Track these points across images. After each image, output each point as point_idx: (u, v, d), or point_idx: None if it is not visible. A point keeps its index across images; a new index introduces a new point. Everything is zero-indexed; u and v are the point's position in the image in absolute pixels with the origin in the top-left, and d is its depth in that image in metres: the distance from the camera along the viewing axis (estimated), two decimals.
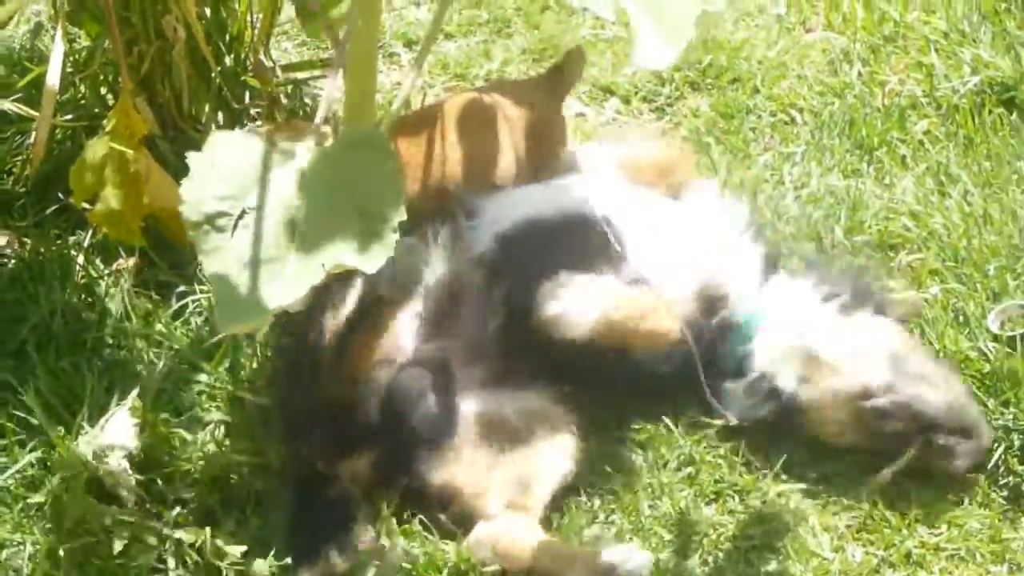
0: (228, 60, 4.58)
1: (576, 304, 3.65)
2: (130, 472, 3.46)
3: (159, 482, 3.54)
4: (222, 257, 2.89)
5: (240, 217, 2.93)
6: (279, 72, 4.71)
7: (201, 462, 3.60)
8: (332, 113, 4.56)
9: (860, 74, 5.39)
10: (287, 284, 2.88)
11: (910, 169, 4.85)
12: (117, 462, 3.43)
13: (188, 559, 3.41)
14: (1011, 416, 3.79)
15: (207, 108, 4.50)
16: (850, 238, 4.46)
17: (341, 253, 2.92)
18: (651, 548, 3.54)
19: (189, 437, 3.64)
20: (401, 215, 2.94)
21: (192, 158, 2.96)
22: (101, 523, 3.37)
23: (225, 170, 2.98)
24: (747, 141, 5.10)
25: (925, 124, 5.06)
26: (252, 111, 4.62)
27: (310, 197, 2.98)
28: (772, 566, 3.52)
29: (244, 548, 3.43)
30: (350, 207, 2.96)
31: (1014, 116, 5.04)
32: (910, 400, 3.68)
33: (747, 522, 3.64)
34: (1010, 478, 3.74)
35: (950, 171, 4.78)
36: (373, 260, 2.92)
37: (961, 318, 4.09)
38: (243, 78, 4.61)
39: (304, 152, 3.04)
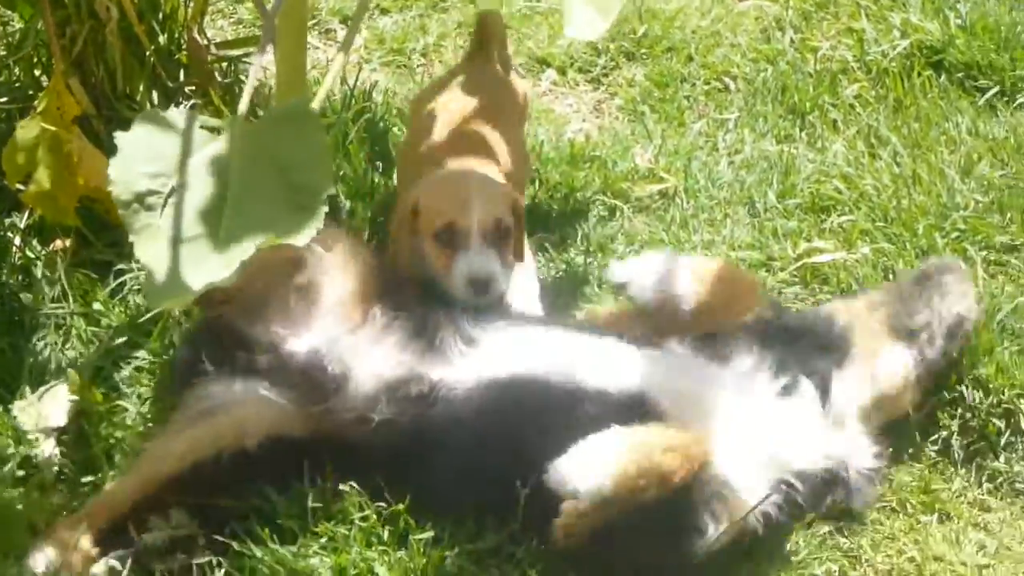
0: (162, 39, 4.58)
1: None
2: (57, 451, 3.48)
3: (93, 456, 3.57)
4: (152, 235, 2.89)
5: (170, 195, 2.94)
6: (214, 50, 4.71)
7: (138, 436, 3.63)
8: (269, 90, 4.64)
9: (792, 41, 5.47)
10: (218, 259, 2.88)
11: (841, 133, 4.93)
12: (46, 440, 3.45)
13: None
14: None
15: (141, 87, 4.50)
16: (783, 202, 4.51)
17: (272, 228, 2.93)
18: None
19: (129, 410, 3.67)
20: (331, 188, 2.96)
21: (120, 138, 2.96)
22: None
23: (154, 149, 2.97)
24: (682, 109, 5.16)
25: (856, 88, 5.14)
26: (187, 89, 4.62)
27: (239, 173, 2.99)
28: None
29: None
30: (280, 182, 2.97)
31: (942, 78, 5.12)
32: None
33: None
34: (940, 431, 3.80)
35: (880, 133, 4.85)
36: (304, 234, 2.93)
37: (891, 276, 4.16)
38: (177, 56, 4.62)
39: (232, 128, 3.05)
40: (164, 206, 2.94)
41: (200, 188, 2.97)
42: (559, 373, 3.44)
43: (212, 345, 3.56)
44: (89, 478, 3.54)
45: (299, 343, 3.53)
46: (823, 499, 3.54)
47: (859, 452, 3.57)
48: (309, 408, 3.46)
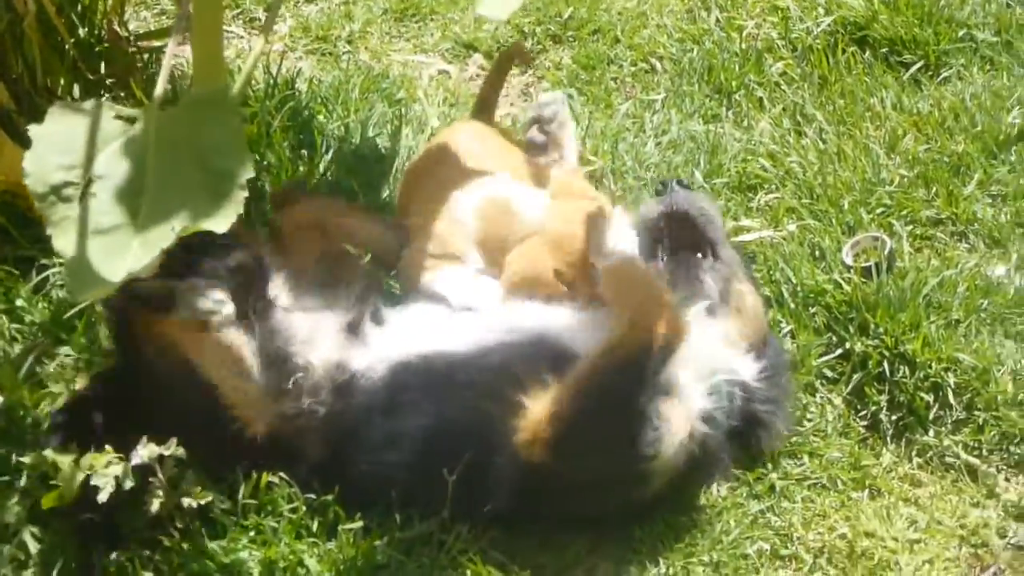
0: (82, 31, 4.52)
1: None
2: None
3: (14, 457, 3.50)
4: (70, 227, 2.87)
5: (87, 186, 2.91)
6: (135, 41, 4.65)
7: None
8: (190, 78, 4.58)
9: (718, 20, 5.47)
10: (137, 249, 2.86)
11: (767, 111, 4.93)
12: None
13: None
14: (868, 344, 3.86)
15: (62, 80, 4.44)
16: (710, 181, 4.51)
17: (190, 215, 2.91)
18: None
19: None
20: (249, 172, 2.93)
21: (34, 130, 2.93)
22: None
23: (68, 140, 2.95)
24: (609, 91, 5.15)
25: (781, 66, 5.14)
26: (108, 81, 4.56)
27: (156, 161, 2.97)
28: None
29: None
30: (197, 168, 2.95)
31: (867, 54, 5.14)
32: None
33: None
34: (869, 406, 3.82)
35: (805, 111, 4.86)
36: (223, 220, 2.91)
37: (817, 253, 4.17)
38: (98, 49, 4.55)
39: (148, 117, 3.02)
40: (82, 197, 2.90)
41: (117, 177, 2.95)
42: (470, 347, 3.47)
43: None
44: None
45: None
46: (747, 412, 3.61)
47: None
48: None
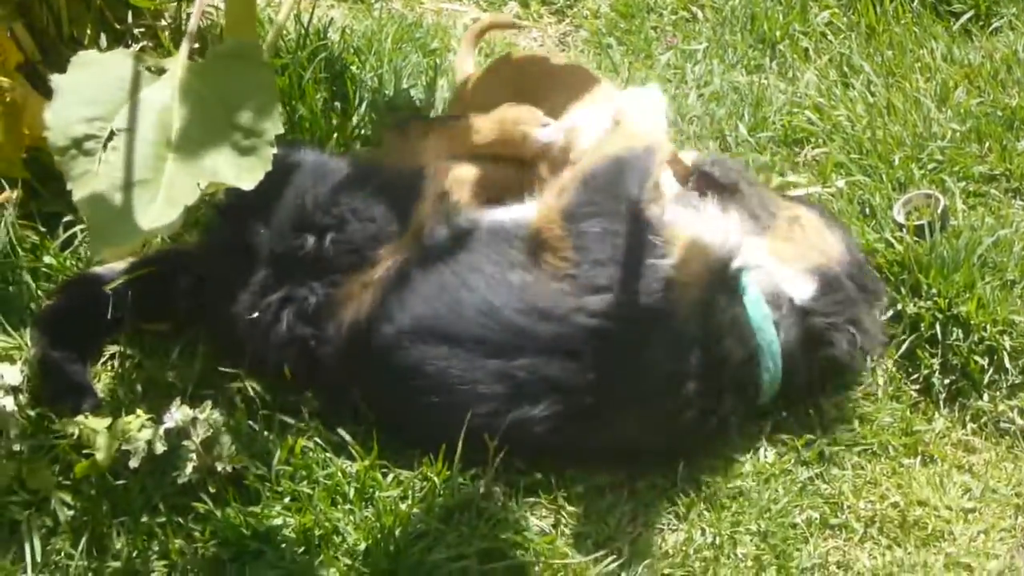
0: None
1: None
2: (14, 407, 3.34)
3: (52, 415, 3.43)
4: (91, 181, 2.76)
5: (109, 139, 2.80)
6: None
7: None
8: (220, 29, 4.48)
9: None
10: (161, 204, 2.75)
11: (812, 62, 4.81)
12: (4, 397, 3.32)
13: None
14: (921, 305, 3.75)
15: (89, 30, 4.34)
16: (754, 135, 4.39)
17: (217, 170, 2.80)
18: None
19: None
20: (278, 128, 2.82)
21: (56, 80, 2.82)
22: None
23: (92, 91, 2.84)
24: (648, 41, 5.03)
25: (827, 15, 5.01)
26: (136, 31, 4.45)
27: (183, 114, 2.86)
28: (684, 471, 3.47)
29: None
30: (225, 123, 2.84)
31: (916, 3, 5.01)
32: None
33: None
34: (921, 370, 3.70)
35: (852, 62, 4.73)
36: (251, 176, 2.81)
37: (867, 210, 4.05)
38: None
39: (176, 68, 2.91)
40: (104, 150, 2.80)
41: (142, 131, 2.84)
42: None
43: None
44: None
45: None
46: None
47: None
48: None
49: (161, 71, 2.89)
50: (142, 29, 4.46)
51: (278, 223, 3.55)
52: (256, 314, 3.49)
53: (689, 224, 3.53)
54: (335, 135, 4.21)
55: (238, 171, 2.79)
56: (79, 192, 2.75)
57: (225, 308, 3.55)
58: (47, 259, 3.83)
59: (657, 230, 3.42)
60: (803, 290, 3.56)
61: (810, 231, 3.69)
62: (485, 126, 3.83)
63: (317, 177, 3.62)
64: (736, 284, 3.48)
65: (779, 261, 3.60)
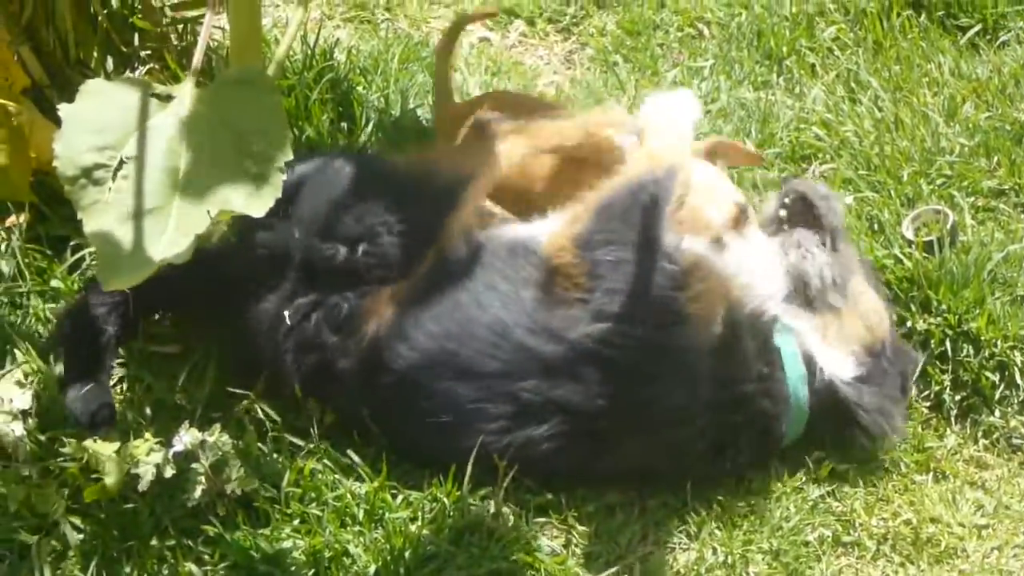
0: (114, 3, 4.41)
1: None
2: (23, 431, 3.34)
3: (62, 438, 3.40)
4: (101, 211, 2.76)
5: (119, 168, 2.80)
6: (168, 12, 4.54)
7: None
8: (227, 51, 4.48)
9: None
10: (172, 234, 2.76)
11: (820, 77, 4.80)
12: (9, 422, 3.32)
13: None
14: (931, 322, 3.74)
15: (95, 53, 4.34)
16: (762, 151, 4.38)
17: (227, 198, 2.80)
18: None
19: None
20: (287, 154, 2.82)
21: (64, 110, 2.82)
22: None
23: (100, 120, 2.84)
24: (655, 58, 5.02)
25: (833, 31, 5.01)
26: (142, 54, 4.46)
27: (192, 142, 2.86)
28: (695, 489, 3.45)
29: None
30: (234, 150, 2.84)
31: (923, 18, 5.00)
32: None
33: None
34: (932, 387, 3.70)
35: (860, 77, 4.73)
36: (261, 203, 2.81)
37: (876, 226, 4.05)
38: (131, 20, 4.45)
39: (184, 95, 2.91)
40: (114, 179, 2.80)
41: (151, 159, 2.84)
42: None
43: None
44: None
45: None
46: None
47: None
48: None
49: (169, 98, 2.88)
50: (149, 52, 4.45)
51: (311, 230, 3.53)
52: (287, 313, 3.48)
53: (724, 259, 3.49)
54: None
55: (248, 198, 2.79)
56: (90, 222, 2.75)
57: (247, 310, 3.54)
58: (55, 282, 3.83)
59: (674, 259, 3.35)
60: (844, 368, 3.52)
61: (868, 305, 3.62)
62: (571, 128, 3.79)
63: (350, 185, 3.61)
64: (769, 333, 3.46)
65: (832, 334, 3.56)
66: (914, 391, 3.69)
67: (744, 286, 3.46)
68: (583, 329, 3.32)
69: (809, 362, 3.48)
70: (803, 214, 3.71)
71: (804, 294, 3.57)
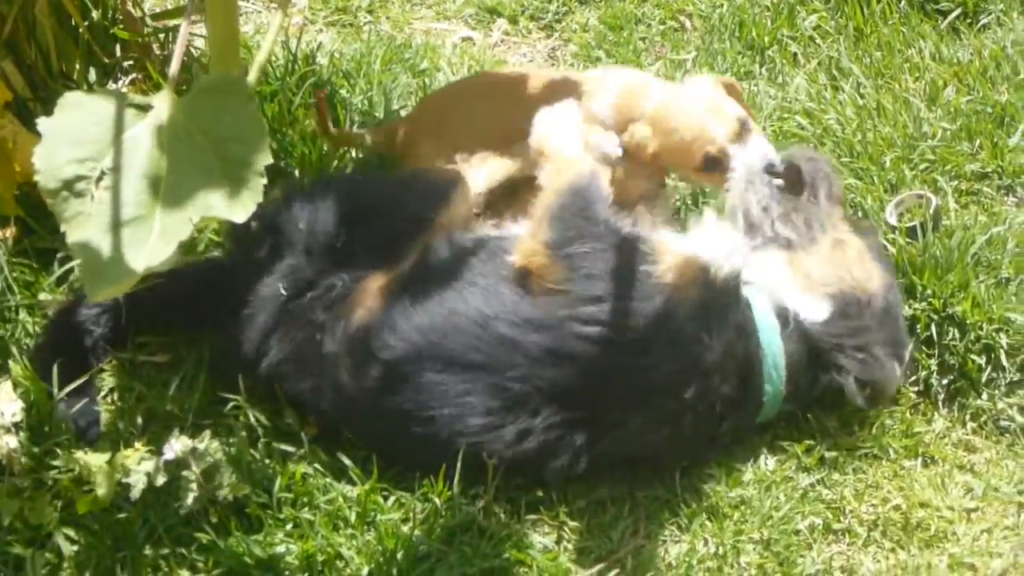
0: (95, 14, 4.41)
1: None
2: (16, 444, 3.35)
3: (56, 450, 3.43)
4: (84, 223, 2.75)
5: (100, 179, 2.81)
6: (149, 22, 4.55)
7: None
8: (208, 58, 4.47)
9: None
10: (154, 242, 2.75)
11: (802, 66, 4.81)
12: (5, 435, 3.33)
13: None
14: (916, 307, 3.75)
15: (77, 65, 4.35)
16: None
17: (208, 204, 2.80)
18: None
19: None
20: (267, 159, 2.83)
21: (43, 124, 2.81)
22: None
23: (79, 132, 2.83)
24: (638, 52, 5.03)
25: (815, 19, 5.01)
26: (124, 64, 4.46)
27: (171, 150, 2.85)
28: (685, 481, 3.47)
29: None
30: (214, 156, 2.83)
31: (903, 3, 5.00)
32: None
33: None
34: (919, 371, 3.70)
35: (841, 65, 4.73)
36: (243, 208, 2.81)
37: (860, 213, 4.05)
38: (112, 31, 4.45)
39: (162, 104, 2.91)
40: (95, 191, 2.81)
41: (131, 169, 2.84)
42: None
43: None
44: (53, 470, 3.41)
45: None
46: None
47: None
48: None
49: (147, 108, 2.89)
50: (131, 62, 4.46)
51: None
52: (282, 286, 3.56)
53: (683, 239, 3.57)
54: (326, 160, 4.21)
55: (230, 204, 2.78)
56: (72, 234, 2.75)
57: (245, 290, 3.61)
58: (42, 295, 3.84)
59: (644, 242, 3.45)
60: (816, 311, 3.55)
61: (850, 256, 3.65)
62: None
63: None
64: (737, 292, 3.48)
65: (802, 278, 3.60)
66: (902, 376, 3.68)
67: (708, 249, 3.51)
68: (567, 313, 3.35)
69: (782, 312, 3.52)
70: (797, 182, 3.74)
71: (752, 226, 3.67)
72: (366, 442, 3.48)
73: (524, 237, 3.53)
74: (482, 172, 3.82)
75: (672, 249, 3.46)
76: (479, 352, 3.36)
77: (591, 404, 3.35)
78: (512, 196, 3.81)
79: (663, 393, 3.38)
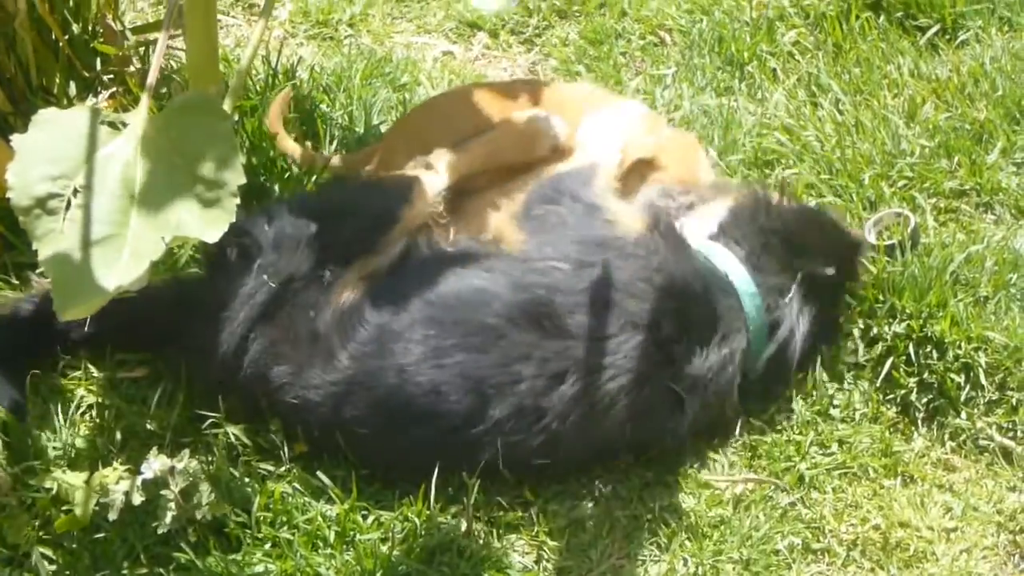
0: (75, 28, 4.40)
1: None
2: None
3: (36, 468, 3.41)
4: (56, 240, 2.76)
5: (74, 196, 2.81)
6: (130, 35, 4.54)
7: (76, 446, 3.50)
8: (185, 77, 4.47)
9: None
10: (126, 261, 2.76)
11: (781, 82, 4.81)
12: None
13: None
14: (898, 326, 3.75)
15: (57, 79, 4.33)
16: (725, 158, 4.39)
17: (181, 223, 2.81)
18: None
19: (61, 421, 3.54)
20: (240, 179, 2.83)
21: (17, 140, 2.82)
22: None
23: (53, 149, 2.84)
24: (618, 67, 5.03)
25: (794, 35, 5.01)
26: (105, 78, 4.45)
27: (145, 169, 2.87)
28: (665, 500, 3.47)
29: None
30: (187, 176, 2.85)
31: (882, 19, 5.00)
32: None
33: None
34: (898, 390, 3.70)
35: (820, 81, 4.73)
36: (215, 227, 2.82)
37: None
38: (93, 45, 4.44)
39: (137, 122, 2.91)
40: (68, 208, 2.80)
41: (104, 187, 2.85)
42: None
43: None
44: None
45: None
46: None
47: None
48: None
49: (122, 125, 2.89)
50: (111, 76, 4.45)
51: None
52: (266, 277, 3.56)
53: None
54: (305, 175, 4.20)
55: (202, 223, 2.80)
56: (44, 252, 2.75)
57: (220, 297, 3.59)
58: None
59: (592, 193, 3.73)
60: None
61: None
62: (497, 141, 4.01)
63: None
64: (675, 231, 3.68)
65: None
66: (880, 396, 3.70)
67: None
68: (529, 266, 3.54)
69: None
70: None
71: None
72: (353, 425, 3.46)
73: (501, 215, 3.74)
74: (441, 169, 3.86)
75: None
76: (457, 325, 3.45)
77: (562, 362, 3.43)
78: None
79: (631, 324, 3.45)
